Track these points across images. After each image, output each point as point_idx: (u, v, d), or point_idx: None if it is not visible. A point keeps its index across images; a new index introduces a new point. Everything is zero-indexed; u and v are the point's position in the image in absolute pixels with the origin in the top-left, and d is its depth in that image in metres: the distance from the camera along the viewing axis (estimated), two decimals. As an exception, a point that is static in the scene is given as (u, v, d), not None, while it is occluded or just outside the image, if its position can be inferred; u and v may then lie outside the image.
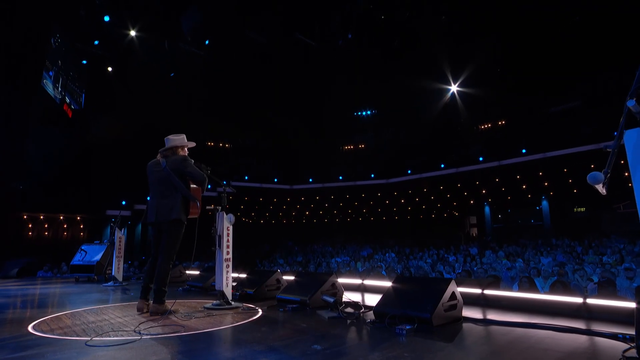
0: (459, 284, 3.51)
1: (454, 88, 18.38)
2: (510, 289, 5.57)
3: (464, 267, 10.24)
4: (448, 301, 3.19)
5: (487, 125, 19.34)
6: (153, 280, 3.91)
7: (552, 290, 4.80)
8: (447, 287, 3.21)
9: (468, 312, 3.50)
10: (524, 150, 15.59)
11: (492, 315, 3.50)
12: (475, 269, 9.34)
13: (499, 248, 13.60)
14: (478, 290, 4.17)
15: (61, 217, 16.29)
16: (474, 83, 17.28)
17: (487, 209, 21.01)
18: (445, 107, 18.88)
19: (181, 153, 4.05)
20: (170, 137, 4.10)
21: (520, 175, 16.59)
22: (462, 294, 3.41)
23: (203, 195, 4.03)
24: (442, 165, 17.83)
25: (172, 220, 3.78)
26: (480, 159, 16.85)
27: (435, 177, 18.08)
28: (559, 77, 14.98)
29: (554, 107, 16.32)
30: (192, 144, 4.24)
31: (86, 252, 8.04)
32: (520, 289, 5.19)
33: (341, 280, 4.56)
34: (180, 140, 4.09)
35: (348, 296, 4.19)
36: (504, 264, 10.06)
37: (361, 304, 3.96)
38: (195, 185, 3.96)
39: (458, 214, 22.97)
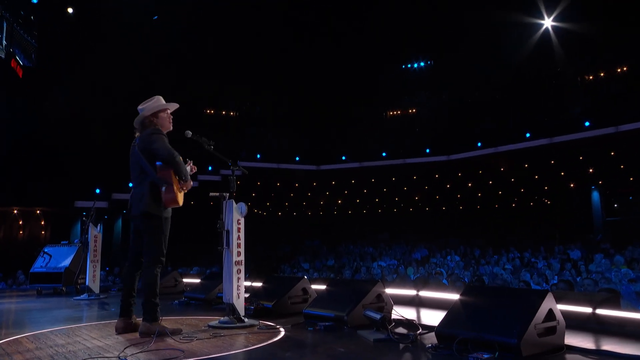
0: (557, 299, 3.46)
1: (547, 23, 17.68)
2: (636, 309, 5.40)
3: (561, 277, 10.06)
4: (543, 322, 3.13)
5: (599, 75, 18.48)
6: (132, 292, 4.06)
7: None
8: (541, 303, 3.16)
9: (573, 339, 3.44)
10: (658, 110, 14.85)
11: (611, 345, 3.42)
12: (579, 279, 9.21)
13: (616, 251, 13.21)
14: (587, 309, 4.09)
15: (15, 212, 16.77)
16: (578, 14, 16.47)
17: (595, 195, 20.29)
18: (534, 51, 18.23)
19: (155, 122, 4.11)
20: (140, 106, 4.16)
21: (650, 147, 15.86)
22: (562, 312, 3.36)
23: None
24: (528, 135, 17.30)
25: (142, 213, 3.95)
26: (587, 124, 16.16)
27: (517, 151, 17.54)
28: None
29: None
30: (174, 106, 4.29)
31: (50, 255, 8.35)
32: (653, 310, 5.01)
33: (389, 290, 4.67)
34: (149, 107, 4.12)
35: (398, 311, 4.28)
36: (624, 273, 9.79)
37: (417, 322, 4.00)
38: (165, 166, 3.99)
39: (551, 202, 22.40)
